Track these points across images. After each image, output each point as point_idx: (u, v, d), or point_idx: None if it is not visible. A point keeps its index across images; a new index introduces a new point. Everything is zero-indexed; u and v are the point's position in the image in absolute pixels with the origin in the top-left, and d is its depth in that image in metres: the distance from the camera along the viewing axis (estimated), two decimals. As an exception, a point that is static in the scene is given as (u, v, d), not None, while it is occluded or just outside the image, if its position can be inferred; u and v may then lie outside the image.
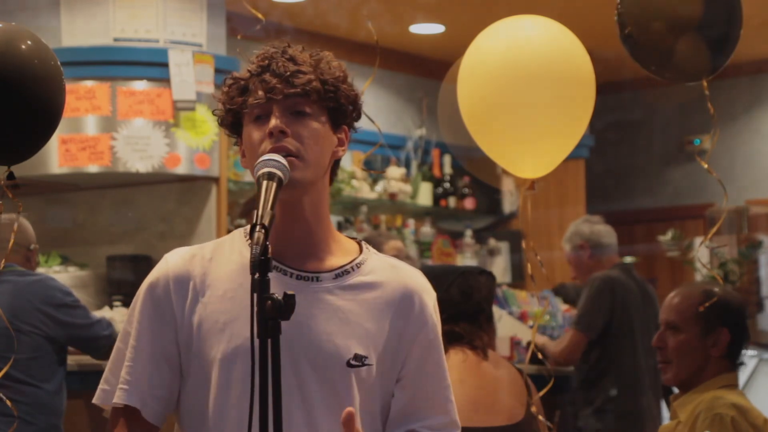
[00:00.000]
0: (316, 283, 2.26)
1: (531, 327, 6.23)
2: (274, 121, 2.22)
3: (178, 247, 2.35)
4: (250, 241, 2.10)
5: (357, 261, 2.31)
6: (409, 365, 2.29)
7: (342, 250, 2.32)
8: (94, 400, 2.32)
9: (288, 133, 2.22)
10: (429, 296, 2.36)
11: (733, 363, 3.56)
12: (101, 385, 2.31)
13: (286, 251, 2.26)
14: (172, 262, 2.31)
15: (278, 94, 2.23)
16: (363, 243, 2.37)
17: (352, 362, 2.23)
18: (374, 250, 2.37)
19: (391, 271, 2.33)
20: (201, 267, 2.29)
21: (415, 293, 2.32)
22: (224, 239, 2.36)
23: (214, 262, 2.30)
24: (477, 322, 3.59)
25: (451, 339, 3.54)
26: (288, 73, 2.23)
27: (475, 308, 3.59)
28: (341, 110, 2.29)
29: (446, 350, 3.52)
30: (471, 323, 3.58)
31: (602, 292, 5.79)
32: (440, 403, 2.33)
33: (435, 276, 3.64)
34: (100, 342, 4.69)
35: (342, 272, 2.29)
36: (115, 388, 2.28)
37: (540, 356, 4.16)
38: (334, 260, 2.30)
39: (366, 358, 2.24)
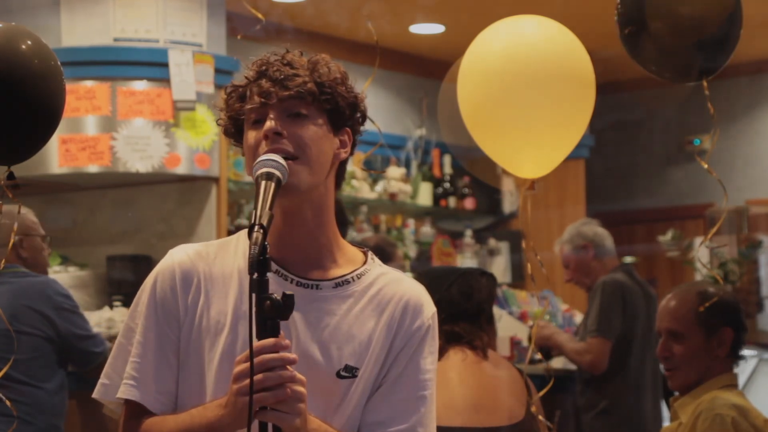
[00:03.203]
0: (315, 290, 2.25)
1: (530, 327, 6.23)
2: (269, 123, 2.21)
3: (183, 244, 2.35)
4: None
5: (359, 271, 2.30)
6: (389, 375, 2.27)
7: (346, 258, 2.31)
8: (94, 395, 2.31)
9: (284, 134, 2.21)
10: (427, 310, 2.32)
11: (735, 359, 3.56)
12: (102, 380, 2.30)
13: (289, 257, 2.25)
14: (177, 257, 2.30)
15: (273, 98, 2.22)
16: (369, 253, 2.35)
17: (343, 373, 2.23)
18: (379, 261, 2.36)
19: (392, 284, 2.31)
20: (206, 265, 2.29)
21: (411, 308, 2.30)
22: (230, 239, 2.35)
23: (219, 262, 2.29)
24: (477, 323, 3.59)
25: (450, 339, 3.54)
26: (283, 77, 2.22)
27: (475, 308, 3.59)
28: (340, 112, 2.27)
29: (446, 350, 3.53)
30: (471, 323, 3.58)
31: (614, 296, 5.81)
32: (407, 413, 2.26)
33: (436, 276, 3.65)
34: (89, 358, 4.65)
35: (342, 282, 2.28)
36: (115, 383, 2.27)
37: (540, 356, 4.15)
38: (337, 269, 2.29)
39: (357, 369, 2.23)
